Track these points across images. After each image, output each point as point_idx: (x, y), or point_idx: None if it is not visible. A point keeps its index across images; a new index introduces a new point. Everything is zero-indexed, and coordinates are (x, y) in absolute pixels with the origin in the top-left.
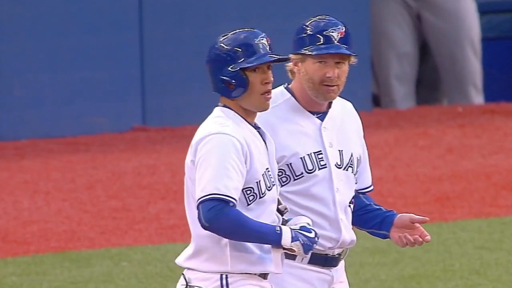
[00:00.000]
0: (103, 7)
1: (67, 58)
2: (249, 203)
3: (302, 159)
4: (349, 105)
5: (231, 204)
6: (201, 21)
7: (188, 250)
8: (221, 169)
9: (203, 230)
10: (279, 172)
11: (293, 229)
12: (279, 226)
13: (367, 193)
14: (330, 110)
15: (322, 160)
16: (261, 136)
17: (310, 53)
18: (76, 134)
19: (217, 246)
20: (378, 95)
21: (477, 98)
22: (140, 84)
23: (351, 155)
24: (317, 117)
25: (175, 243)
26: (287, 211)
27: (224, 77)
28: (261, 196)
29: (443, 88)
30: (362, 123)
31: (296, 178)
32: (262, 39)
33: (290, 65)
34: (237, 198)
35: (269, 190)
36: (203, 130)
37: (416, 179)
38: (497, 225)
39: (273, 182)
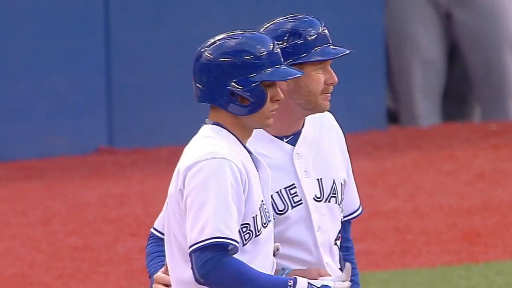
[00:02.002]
0: (61, 4)
1: (17, 65)
2: (245, 243)
3: (271, 197)
4: (328, 116)
5: (233, 248)
6: (181, 20)
7: None
8: (222, 205)
9: (187, 275)
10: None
11: (312, 284)
12: (293, 279)
13: (352, 219)
14: (303, 129)
15: (296, 195)
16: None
17: (319, 58)
18: (29, 157)
19: None
20: (395, 110)
21: None
22: (105, 96)
23: (333, 182)
24: (286, 141)
25: None
26: (278, 252)
27: (236, 90)
28: (257, 234)
29: (475, 102)
30: (345, 135)
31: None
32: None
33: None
34: (239, 241)
35: (265, 227)
36: (192, 153)
37: (440, 212)
38: None
39: (268, 217)
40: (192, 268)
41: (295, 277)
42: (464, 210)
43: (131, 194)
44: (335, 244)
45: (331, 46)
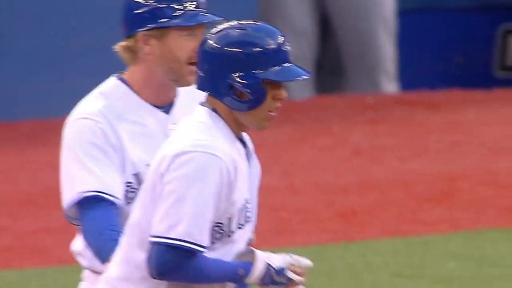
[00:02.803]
0: None
1: None
2: (214, 241)
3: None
4: (198, 92)
5: (199, 253)
6: None
7: (113, 271)
8: (201, 205)
9: (139, 258)
10: (126, 185)
11: (271, 266)
12: (246, 267)
13: None
14: (177, 100)
15: None
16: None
17: (181, 23)
18: None
19: (149, 282)
20: None
21: (390, 86)
22: None
23: None
24: (162, 112)
25: (10, 270)
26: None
27: (236, 84)
28: (230, 234)
29: (349, 75)
30: None
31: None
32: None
33: (130, 45)
34: (207, 246)
35: (240, 228)
36: (184, 139)
37: (315, 189)
38: (418, 246)
39: (248, 218)
40: (148, 257)
41: (251, 262)
42: (341, 187)
43: None
44: None
45: (202, 13)
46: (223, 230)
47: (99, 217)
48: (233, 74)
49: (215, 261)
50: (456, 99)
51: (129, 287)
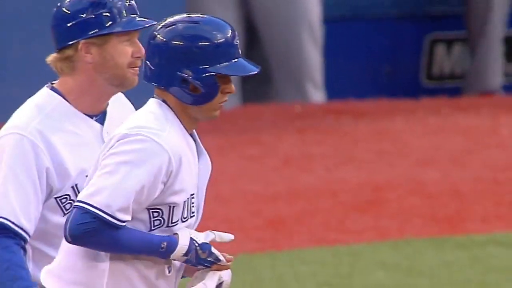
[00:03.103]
0: None
1: None
2: (152, 228)
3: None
4: (124, 97)
5: (117, 225)
6: None
7: (56, 262)
8: (128, 185)
9: (82, 249)
10: (62, 198)
11: (194, 240)
12: (169, 240)
13: None
14: (108, 108)
15: None
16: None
17: (123, 29)
18: None
19: (92, 271)
20: None
21: (317, 95)
22: None
23: None
24: (95, 120)
25: None
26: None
27: (189, 77)
28: (170, 225)
29: (276, 83)
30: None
31: None
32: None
33: (69, 55)
34: (124, 222)
35: (183, 221)
36: (132, 124)
37: (243, 198)
38: (345, 255)
39: (192, 213)
40: (66, 220)
41: (175, 236)
42: (269, 196)
43: None
44: None
45: (138, 18)
46: (162, 218)
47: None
48: (186, 68)
49: (138, 233)
50: (384, 108)
51: (73, 276)
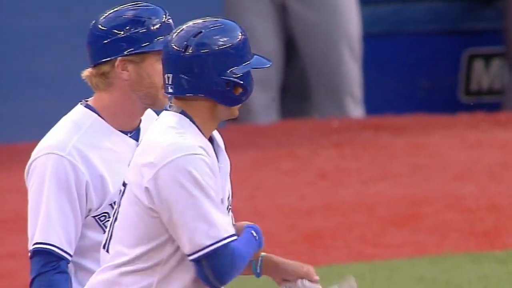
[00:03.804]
0: None
1: None
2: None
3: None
4: (149, 111)
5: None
6: (4, 11)
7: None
8: (212, 207)
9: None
10: (101, 216)
11: None
12: (253, 230)
13: None
14: (142, 124)
15: None
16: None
17: (161, 48)
18: None
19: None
20: None
21: (356, 110)
22: None
23: None
24: (130, 136)
25: None
26: None
27: (231, 78)
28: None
29: (314, 98)
30: None
31: None
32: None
33: (105, 71)
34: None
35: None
36: (158, 147)
37: (279, 212)
38: (382, 270)
39: (227, 207)
40: (200, 272)
41: (252, 224)
42: (305, 210)
43: None
44: None
45: None
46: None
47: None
48: (228, 71)
49: (241, 238)
50: (421, 123)
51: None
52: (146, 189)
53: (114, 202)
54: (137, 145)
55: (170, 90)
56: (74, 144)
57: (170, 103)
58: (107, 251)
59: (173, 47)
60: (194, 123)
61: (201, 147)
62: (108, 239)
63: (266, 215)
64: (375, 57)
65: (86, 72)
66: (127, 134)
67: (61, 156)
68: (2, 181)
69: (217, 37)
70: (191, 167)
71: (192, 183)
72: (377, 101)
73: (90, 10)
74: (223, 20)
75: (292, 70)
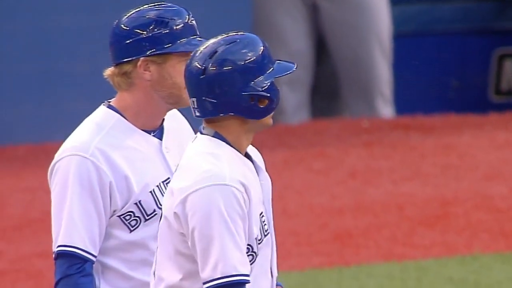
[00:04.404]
0: None
1: None
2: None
3: (152, 193)
4: (177, 111)
5: (246, 282)
6: (36, 11)
7: None
8: (230, 239)
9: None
10: (126, 215)
11: None
12: None
13: None
14: (165, 123)
15: None
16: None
17: (185, 49)
18: None
19: None
20: None
21: (386, 109)
22: None
23: None
24: (153, 135)
25: None
26: None
27: (254, 92)
28: (259, 242)
29: (344, 98)
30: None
31: (147, 218)
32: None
33: (127, 70)
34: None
35: (259, 243)
36: (192, 173)
37: (310, 212)
38: (413, 270)
39: (266, 231)
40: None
41: None
42: (335, 210)
43: None
44: None
45: (198, 38)
46: (253, 252)
47: (73, 277)
48: (249, 85)
49: None
50: (451, 123)
51: None
52: (175, 214)
53: (140, 201)
54: (161, 144)
55: (198, 114)
56: (97, 145)
57: (203, 125)
58: (154, 275)
59: (192, 71)
60: (228, 143)
61: (236, 179)
62: (154, 263)
63: (296, 215)
64: (405, 57)
65: (108, 71)
66: (150, 134)
67: (84, 157)
68: (31, 181)
69: (234, 53)
70: (219, 197)
71: (216, 215)
72: (407, 101)
73: (121, 10)
74: (241, 35)
75: (322, 69)
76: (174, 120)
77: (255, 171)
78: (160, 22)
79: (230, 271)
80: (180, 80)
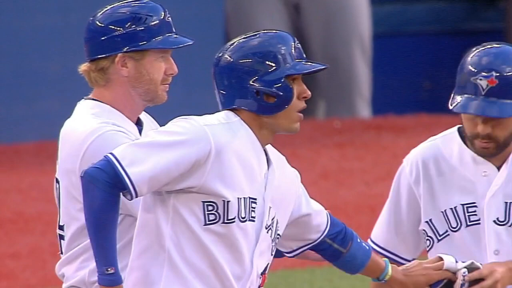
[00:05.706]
0: None
1: None
2: (208, 222)
3: None
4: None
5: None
6: (8, 11)
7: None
8: (152, 145)
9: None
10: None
11: None
12: (115, 269)
13: None
14: (141, 116)
15: None
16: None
17: (163, 46)
18: None
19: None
20: None
21: (365, 110)
22: None
23: None
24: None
25: None
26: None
27: (262, 87)
28: (226, 221)
29: (319, 98)
30: None
31: None
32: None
33: (104, 66)
34: (139, 194)
35: (242, 221)
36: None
37: None
38: None
39: (253, 217)
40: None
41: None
42: None
43: None
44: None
45: (174, 35)
46: (217, 212)
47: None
48: (253, 80)
49: (111, 235)
50: (424, 123)
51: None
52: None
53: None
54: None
55: (220, 107)
56: (109, 122)
57: None
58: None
59: (214, 64)
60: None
61: (217, 134)
62: None
63: None
64: (377, 58)
65: (84, 67)
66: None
67: (115, 131)
68: (3, 182)
69: (243, 49)
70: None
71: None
72: (380, 101)
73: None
74: (275, 32)
75: None
76: (148, 118)
77: (265, 164)
78: (137, 18)
79: (118, 156)
80: (157, 76)
